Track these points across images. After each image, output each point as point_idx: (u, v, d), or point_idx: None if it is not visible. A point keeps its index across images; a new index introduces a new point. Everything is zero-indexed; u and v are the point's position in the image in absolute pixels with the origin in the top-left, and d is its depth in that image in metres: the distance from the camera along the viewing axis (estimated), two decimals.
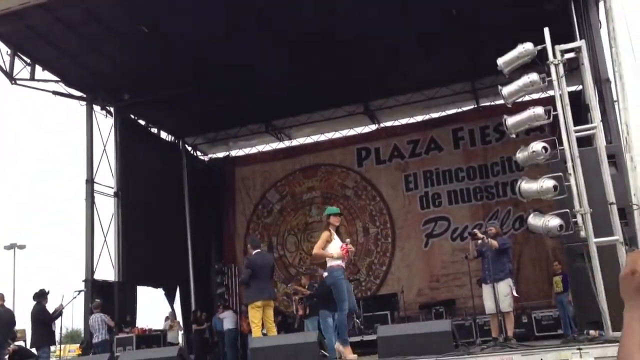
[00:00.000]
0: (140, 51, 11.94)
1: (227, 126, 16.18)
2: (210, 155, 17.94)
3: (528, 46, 6.62)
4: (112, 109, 13.88)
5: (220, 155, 17.86)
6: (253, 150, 17.61)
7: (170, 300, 14.91)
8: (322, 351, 6.59)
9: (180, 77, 12.66)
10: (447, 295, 14.38)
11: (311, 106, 15.24)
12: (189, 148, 17.03)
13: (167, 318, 14.28)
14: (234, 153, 17.75)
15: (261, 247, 9.81)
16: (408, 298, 14.25)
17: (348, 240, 8.02)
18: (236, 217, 17.11)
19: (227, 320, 13.28)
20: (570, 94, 10.22)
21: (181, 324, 14.43)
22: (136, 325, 12.79)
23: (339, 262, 7.65)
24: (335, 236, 7.74)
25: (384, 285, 15.28)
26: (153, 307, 15.03)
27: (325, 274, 7.84)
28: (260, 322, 7.99)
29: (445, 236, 15.13)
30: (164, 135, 16.16)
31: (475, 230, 8.65)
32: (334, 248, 7.66)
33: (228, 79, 12.68)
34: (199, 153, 17.61)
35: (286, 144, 17.24)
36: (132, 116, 14.83)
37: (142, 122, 15.34)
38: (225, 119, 15.33)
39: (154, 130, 15.85)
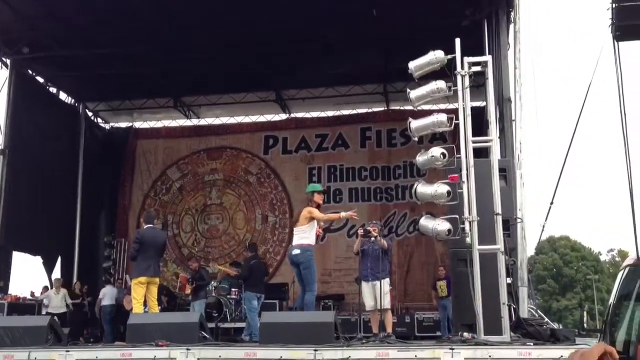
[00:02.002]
0: (47, 4, 11.21)
1: (132, 96, 15.59)
2: (112, 124, 17.21)
3: (439, 54, 6.80)
4: (8, 61, 12.98)
5: (123, 125, 17.18)
6: (158, 124, 17.07)
7: (49, 270, 14.13)
8: (203, 332, 6.46)
9: (86, 38, 12.01)
10: (337, 290, 14.61)
11: (223, 87, 14.97)
12: (90, 114, 16.26)
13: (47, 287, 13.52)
14: (138, 125, 17.12)
15: (154, 224, 9.52)
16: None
17: (322, 223, 7.91)
18: (133, 190, 16.53)
19: (106, 295, 12.82)
20: (476, 108, 10.65)
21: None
22: (9, 293, 12.05)
23: (312, 242, 7.51)
24: None
25: (276, 274, 15.27)
26: (30, 276, 14.19)
27: (297, 251, 7.58)
28: (142, 298, 7.75)
29: (341, 232, 15.35)
30: (63, 96, 15.32)
31: (370, 228, 8.78)
32: (312, 228, 7.51)
33: (136, 47, 12.17)
34: (99, 120, 16.84)
35: (194, 122, 16.85)
36: (30, 72, 13.93)
37: (40, 80, 14.45)
38: (132, 88, 14.75)
39: (53, 90, 14.97)
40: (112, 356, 6.26)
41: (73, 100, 15.62)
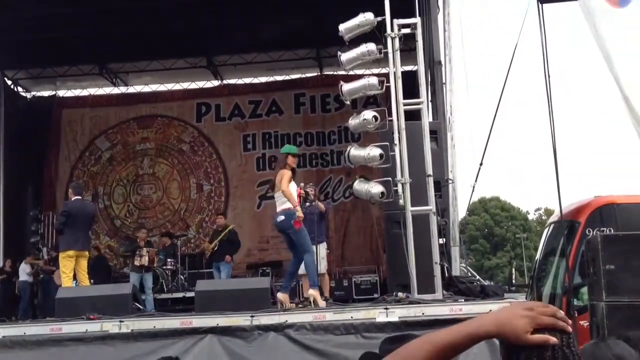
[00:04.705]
0: None
1: (54, 63, 14.81)
2: (33, 93, 16.36)
3: (369, 16, 6.78)
4: None
5: (46, 94, 16.37)
6: (84, 92, 16.36)
7: None
8: (136, 303, 6.33)
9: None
10: (275, 257, 14.58)
11: (151, 53, 14.46)
12: (9, 82, 15.39)
13: None
14: (62, 93, 16.35)
15: (83, 195, 9.20)
16: (236, 258, 14.18)
17: (302, 184, 7.56)
18: (59, 162, 15.88)
19: (22, 271, 12.47)
20: (409, 72, 10.74)
21: None
22: None
23: (295, 204, 7.19)
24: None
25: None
26: None
27: (281, 217, 7.21)
28: (71, 272, 7.51)
29: None
30: None
31: (308, 190, 8.70)
32: (292, 190, 7.19)
33: (55, 10, 11.51)
34: (20, 89, 15.98)
35: (122, 90, 16.25)
36: None
37: None
38: (53, 55, 13.97)
39: None
40: (41, 331, 6.07)
41: None
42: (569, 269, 8.21)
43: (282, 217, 7.21)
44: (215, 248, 11.26)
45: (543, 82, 7.57)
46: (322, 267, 8.28)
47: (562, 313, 1.30)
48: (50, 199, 15.49)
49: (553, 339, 1.25)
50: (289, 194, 7.20)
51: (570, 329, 1.29)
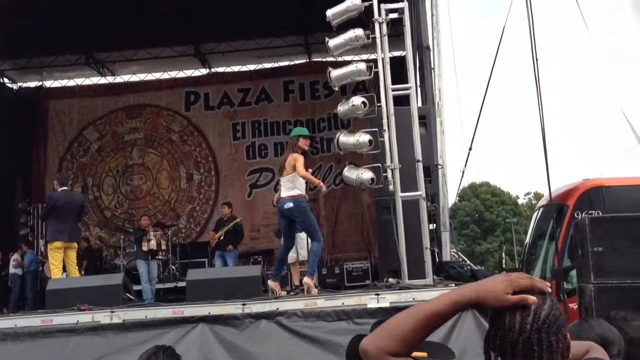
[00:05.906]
0: None
1: (40, 53, 14.65)
2: (20, 84, 16.20)
3: (356, 1, 6.74)
4: None
5: (32, 85, 16.22)
6: (70, 82, 16.21)
7: None
8: (127, 294, 6.31)
9: None
10: (267, 245, 14.59)
11: (138, 42, 14.32)
12: None
13: None
14: (49, 84, 16.20)
15: (69, 186, 9.13)
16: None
17: (310, 170, 7.42)
18: (47, 153, 15.75)
19: (12, 263, 12.43)
20: (396, 58, 10.72)
21: None
22: None
23: (303, 191, 7.05)
24: None
25: (204, 233, 15.10)
26: None
27: (290, 204, 6.96)
28: (60, 263, 7.47)
29: (269, 187, 15.26)
30: None
31: None
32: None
33: None
34: (6, 80, 15.80)
35: (109, 79, 16.11)
36: None
37: None
38: (39, 44, 13.79)
39: None
40: (32, 323, 6.04)
41: None
42: (558, 252, 8.28)
43: (290, 204, 6.99)
44: (222, 237, 11.30)
45: (532, 65, 7.57)
46: (302, 255, 8.19)
47: (539, 280, 1.36)
48: (39, 191, 15.36)
49: (532, 298, 1.30)
50: (308, 176, 7.09)
51: (549, 289, 1.34)
